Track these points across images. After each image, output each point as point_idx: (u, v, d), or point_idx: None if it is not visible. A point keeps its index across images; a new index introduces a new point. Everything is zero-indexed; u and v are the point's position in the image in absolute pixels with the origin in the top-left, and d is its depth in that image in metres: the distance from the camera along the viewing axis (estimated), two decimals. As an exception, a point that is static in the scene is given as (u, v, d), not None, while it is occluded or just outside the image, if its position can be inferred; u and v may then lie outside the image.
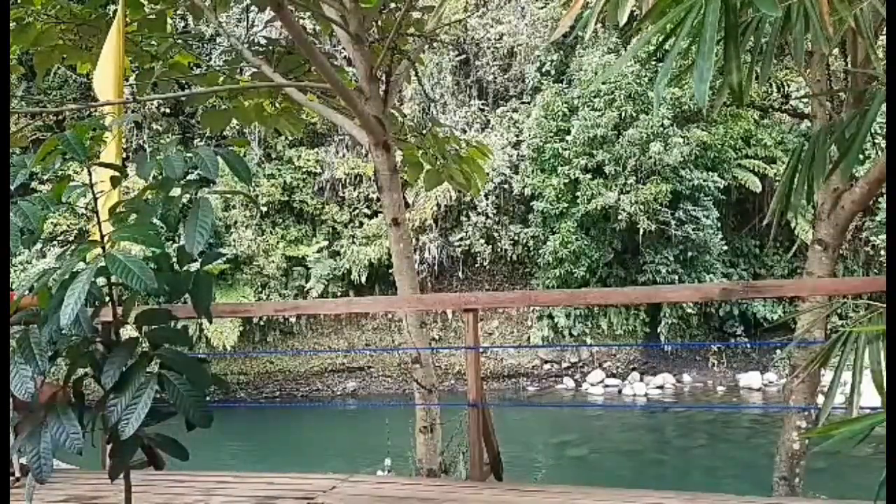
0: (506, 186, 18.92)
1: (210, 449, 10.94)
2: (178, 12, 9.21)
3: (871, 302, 3.25)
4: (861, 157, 10.42)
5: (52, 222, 16.47)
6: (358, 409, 17.89)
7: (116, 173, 2.73)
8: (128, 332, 2.71)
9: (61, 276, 2.45)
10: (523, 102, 19.94)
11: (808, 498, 5.00)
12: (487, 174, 9.75)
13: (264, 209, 18.63)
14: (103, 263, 2.44)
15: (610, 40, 18.43)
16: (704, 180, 17.72)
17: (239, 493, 4.27)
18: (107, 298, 2.65)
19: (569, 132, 18.00)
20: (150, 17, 5.88)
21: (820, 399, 4.84)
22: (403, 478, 6.57)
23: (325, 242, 19.14)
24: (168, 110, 18.94)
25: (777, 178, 16.52)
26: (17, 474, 4.44)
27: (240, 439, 15.12)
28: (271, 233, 18.88)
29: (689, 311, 18.12)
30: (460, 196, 18.03)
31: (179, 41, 6.47)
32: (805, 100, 13.59)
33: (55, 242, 16.83)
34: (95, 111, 5.04)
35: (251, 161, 18.33)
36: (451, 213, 19.18)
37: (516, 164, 19.07)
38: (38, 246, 16.35)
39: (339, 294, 18.56)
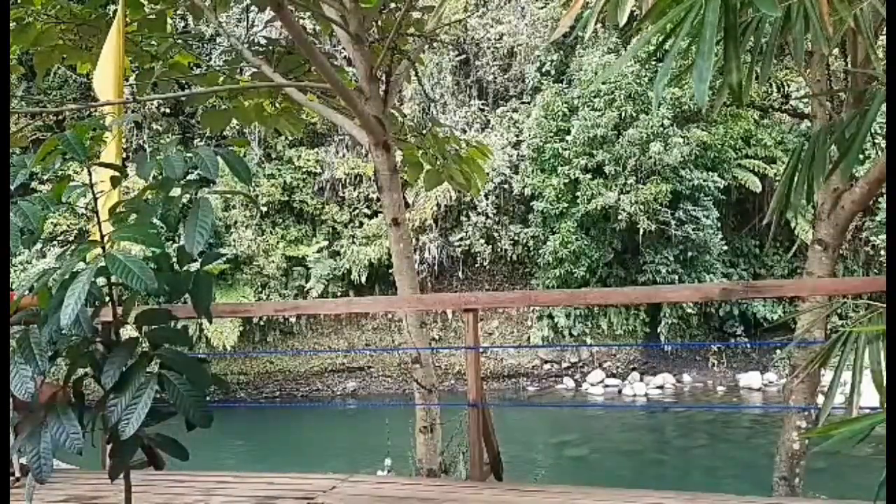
0: (506, 186, 18.92)
1: (210, 449, 10.94)
2: (178, 12, 9.21)
3: (871, 302, 3.25)
4: (861, 157, 10.43)
5: (52, 222, 16.47)
6: (358, 409, 17.89)
7: (116, 173, 2.73)
8: (128, 332, 2.71)
9: (61, 276, 2.45)
10: (523, 102, 19.94)
11: (808, 498, 5.01)
12: (487, 174, 9.75)
13: (264, 209, 18.63)
14: (103, 263, 2.44)
15: (610, 40, 18.43)
16: (704, 180, 17.73)
17: (239, 493, 4.27)
18: (107, 298, 2.65)
19: (569, 132, 18.01)
20: (150, 17, 5.88)
21: (820, 399, 4.84)
22: (403, 478, 6.57)
23: (325, 242, 19.14)
24: (168, 110, 18.94)
25: (777, 178, 16.52)
26: (17, 474, 4.44)
27: (240, 439, 15.12)
28: (271, 233, 18.89)
29: (689, 311, 18.12)
30: (460, 196, 18.03)
31: (179, 41, 6.47)
32: (805, 100, 13.59)
33: (55, 242, 16.84)
34: (95, 111, 5.05)
35: (251, 161, 18.33)
36: (451, 213, 19.18)
37: (516, 164, 19.07)
38: (38, 246, 16.35)
39: (339, 294, 18.56)
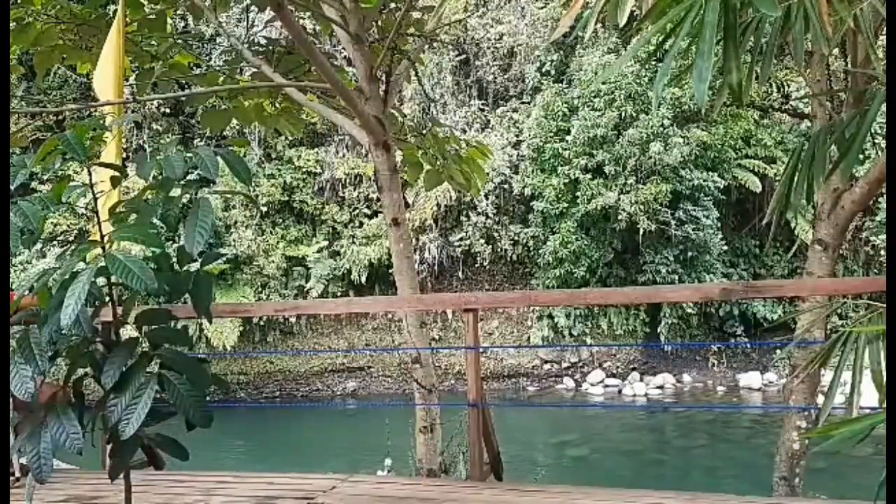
0: (506, 186, 18.93)
1: (210, 449, 10.94)
2: (178, 12, 9.21)
3: (871, 302, 3.25)
4: (861, 157, 10.43)
5: (52, 222, 16.46)
6: (358, 409, 17.89)
7: (116, 173, 2.73)
8: (128, 332, 2.71)
9: (61, 277, 2.45)
10: (523, 102, 19.94)
11: (808, 498, 5.00)
12: (487, 174, 9.75)
13: (264, 209, 18.63)
14: (103, 263, 2.44)
15: (610, 40, 18.43)
16: (704, 180, 17.73)
17: (239, 493, 4.27)
18: (107, 298, 2.65)
19: (569, 132, 18.01)
20: (150, 17, 5.88)
21: (820, 399, 4.84)
22: (403, 478, 6.57)
23: (325, 242, 19.14)
24: (168, 110, 18.94)
25: (777, 178, 16.51)
26: (17, 474, 4.44)
27: (240, 439, 15.12)
28: (271, 233, 18.89)
29: (689, 311, 18.12)
30: (460, 196, 18.03)
31: (179, 41, 6.47)
32: (805, 100, 13.59)
33: (55, 242, 16.84)
34: (95, 111, 5.05)
35: (251, 161, 18.33)
36: (451, 213, 19.18)
37: (516, 164, 19.07)
38: (38, 246, 16.35)
39: (339, 294, 18.56)
